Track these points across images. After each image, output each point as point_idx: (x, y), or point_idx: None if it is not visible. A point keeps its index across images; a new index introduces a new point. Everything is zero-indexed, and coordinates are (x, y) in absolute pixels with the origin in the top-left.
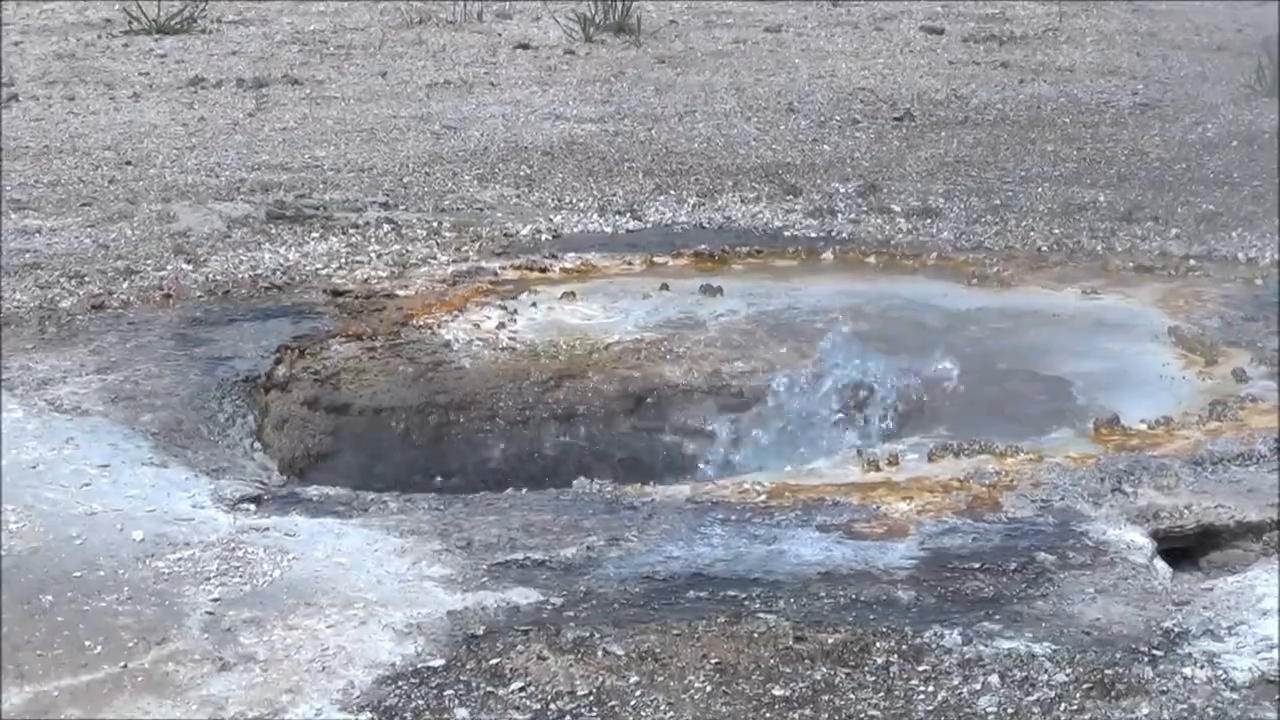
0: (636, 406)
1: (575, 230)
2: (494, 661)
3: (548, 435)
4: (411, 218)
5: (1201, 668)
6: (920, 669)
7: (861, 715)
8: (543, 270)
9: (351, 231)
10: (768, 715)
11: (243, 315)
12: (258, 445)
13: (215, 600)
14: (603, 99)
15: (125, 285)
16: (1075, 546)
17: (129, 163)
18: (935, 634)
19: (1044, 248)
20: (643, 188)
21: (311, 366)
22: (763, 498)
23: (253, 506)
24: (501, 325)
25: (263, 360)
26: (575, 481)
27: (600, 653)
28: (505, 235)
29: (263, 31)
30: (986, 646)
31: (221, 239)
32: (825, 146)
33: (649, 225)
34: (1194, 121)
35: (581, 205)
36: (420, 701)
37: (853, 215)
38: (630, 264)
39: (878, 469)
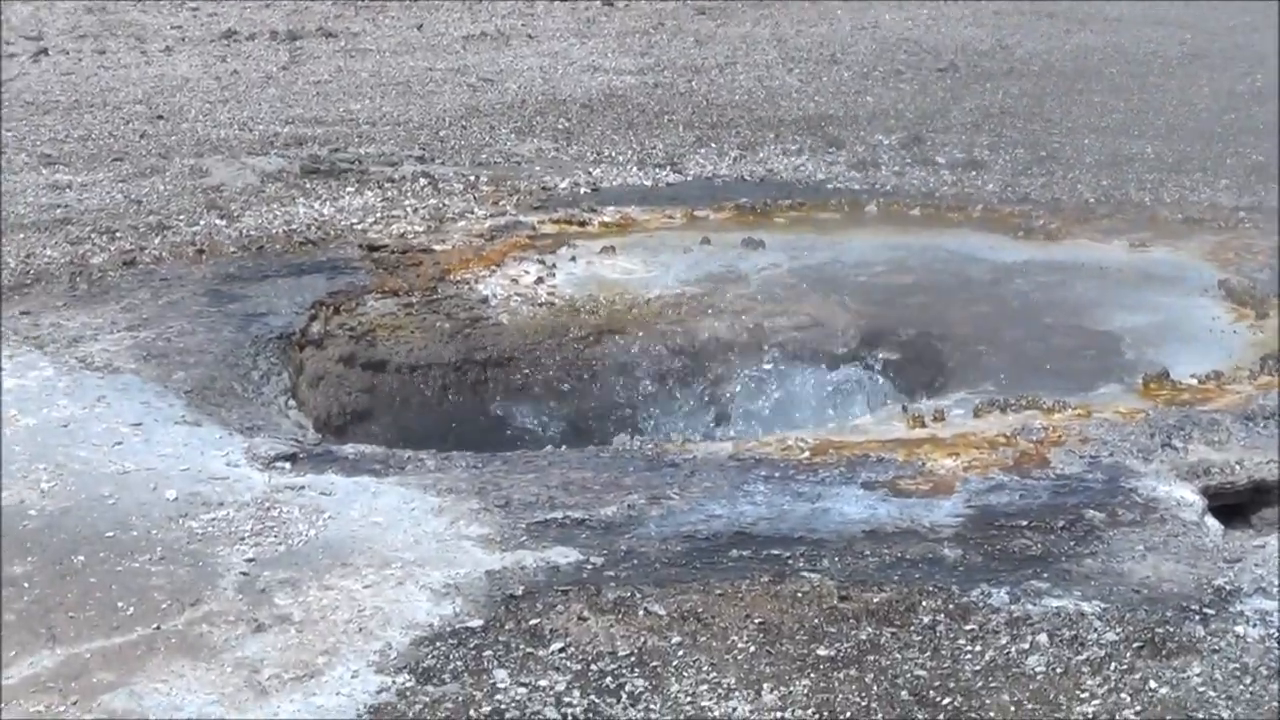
0: (679, 362)
1: (614, 184)
2: (533, 622)
3: (587, 391)
4: (448, 171)
5: (1254, 626)
6: (967, 628)
7: (908, 675)
8: (581, 224)
9: (387, 186)
10: (812, 675)
11: (277, 271)
12: (292, 403)
13: (250, 560)
14: (642, 50)
15: (157, 241)
16: (1124, 503)
17: (161, 117)
18: (982, 593)
19: (1091, 200)
20: (683, 140)
21: (347, 323)
22: (806, 455)
23: (288, 465)
24: (540, 280)
25: (297, 317)
26: (615, 439)
27: (642, 613)
28: (543, 189)
29: None
30: (1034, 605)
31: (255, 194)
32: (868, 98)
33: (689, 178)
34: (1243, 71)
35: (621, 158)
36: (459, 663)
37: (896, 167)
38: (671, 217)
39: (923, 425)
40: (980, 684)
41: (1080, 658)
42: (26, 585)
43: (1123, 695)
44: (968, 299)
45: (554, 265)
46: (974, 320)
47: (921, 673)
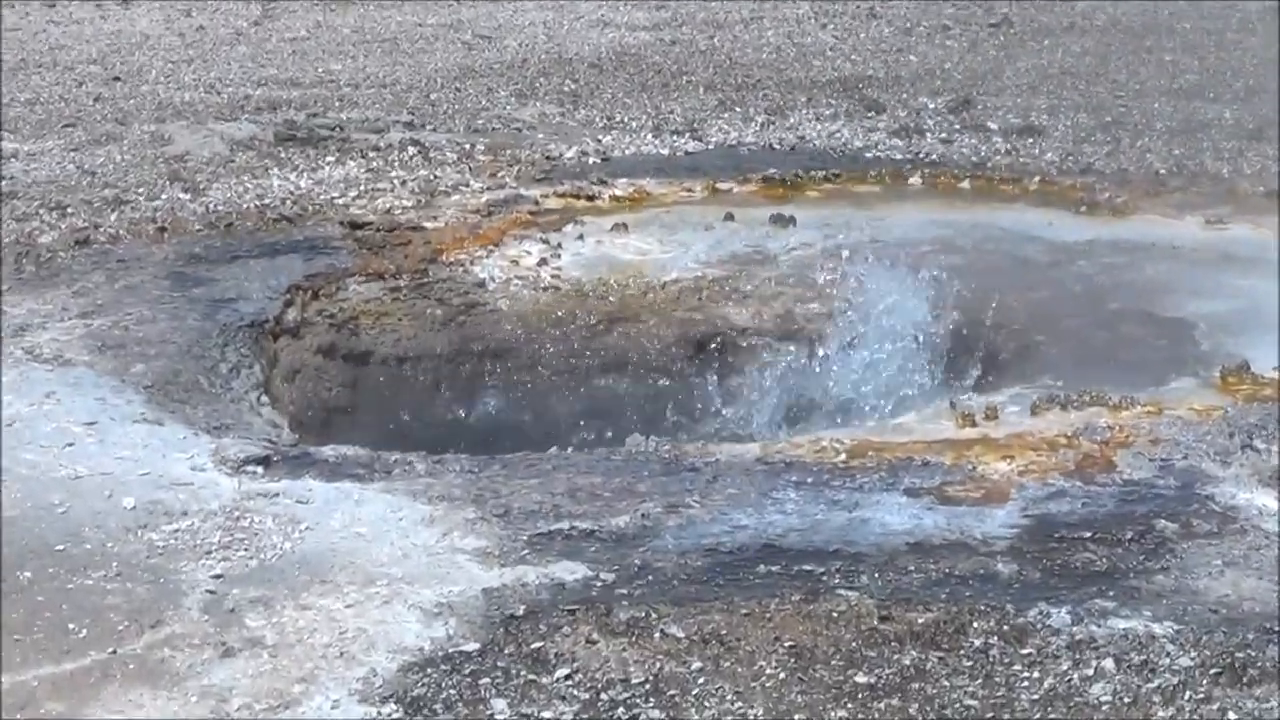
0: (698, 353)
1: (627, 153)
2: (536, 645)
3: (597, 387)
4: (440, 139)
5: None
6: (1024, 652)
7: (957, 705)
8: (590, 198)
9: (372, 155)
10: (849, 705)
11: (248, 251)
12: (265, 399)
13: (217, 577)
14: (657, 4)
15: (114, 217)
16: (1200, 512)
17: (118, 78)
18: (1040, 613)
19: (1162, 170)
20: (704, 104)
21: (326, 309)
22: (842, 457)
23: (260, 469)
24: (543, 261)
25: (271, 302)
26: (629, 439)
27: (658, 635)
28: (547, 159)
29: None
30: (1099, 627)
31: (223, 164)
32: (911, 57)
33: (711, 147)
34: None
35: (634, 124)
36: (452, 691)
37: (943, 134)
38: (690, 191)
39: (973, 424)
40: (1038, 715)
41: (1151, 685)
42: None
43: None
44: (1024, 282)
45: (559, 245)
46: (1031, 306)
47: (972, 702)
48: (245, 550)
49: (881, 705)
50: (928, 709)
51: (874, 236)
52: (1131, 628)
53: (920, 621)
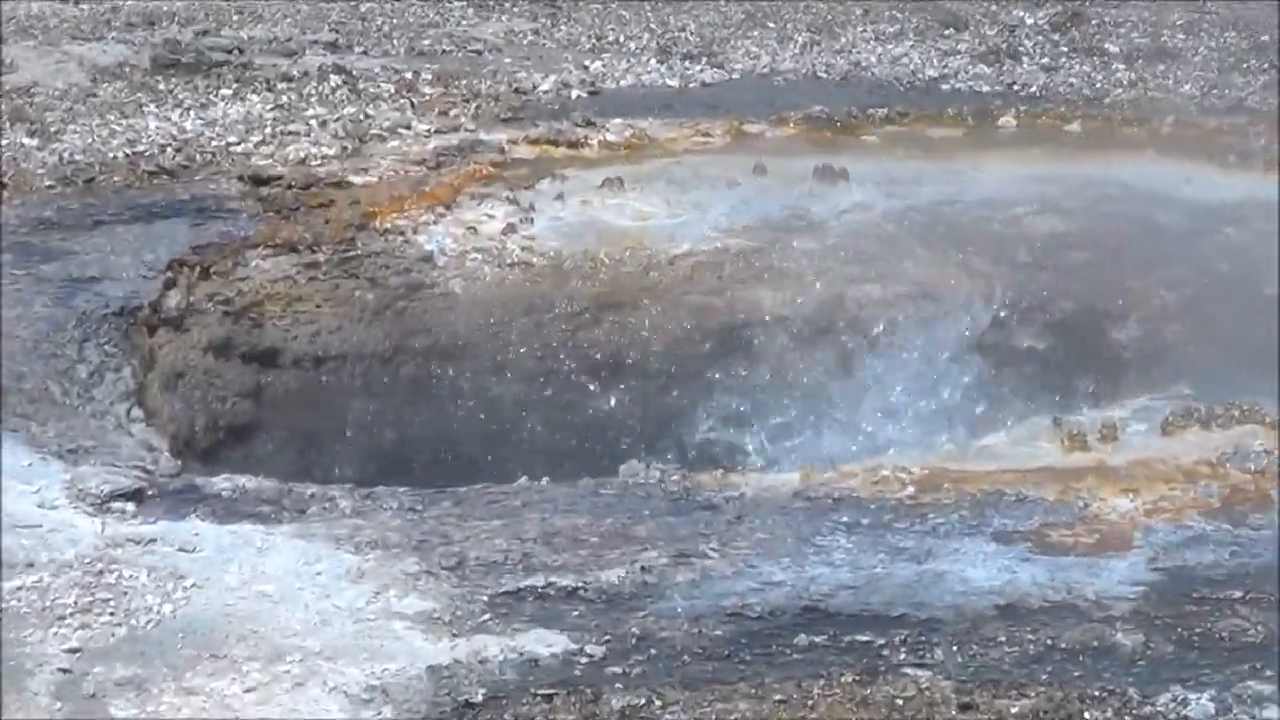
0: (717, 352)
1: (623, 84)
2: None
3: (581, 396)
4: (373, 66)
5: None
6: None
7: None
8: (573, 145)
9: (281, 87)
10: None
11: (115, 215)
12: (138, 413)
13: (73, 651)
14: None
15: None
16: None
17: None
18: (1175, 699)
19: None
20: (725, 18)
21: (220, 293)
22: (909, 491)
23: (130, 507)
24: (510, 229)
25: (146, 283)
26: (623, 466)
27: None
28: (516, 92)
29: None
30: (1252, 717)
31: (82, 99)
32: None
33: (735, 76)
34: None
35: (632, 46)
36: None
37: (1045, 59)
38: (707, 135)
39: (1084, 446)
40: None
41: None
42: None
43: None
44: (1152, 258)
45: (531, 207)
46: (1161, 290)
47: None
48: (111, 615)
49: None
50: None
51: (952, 196)
52: None
53: (1014, 711)
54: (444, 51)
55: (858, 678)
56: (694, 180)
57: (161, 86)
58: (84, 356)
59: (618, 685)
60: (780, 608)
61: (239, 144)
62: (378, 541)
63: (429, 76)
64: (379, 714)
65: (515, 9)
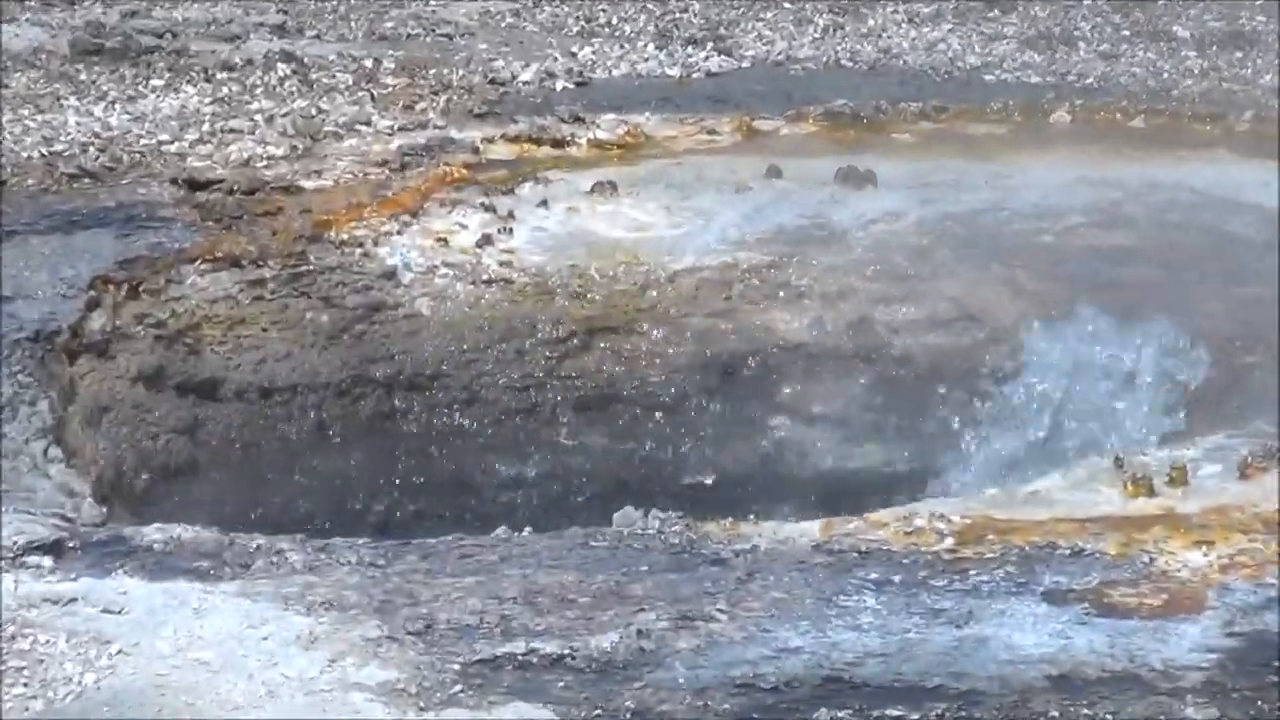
0: (723, 383)
1: (615, 73)
2: None
3: (567, 434)
4: (327, 53)
5: None
6: None
7: None
8: (559, 144)
9: (221, 77)
10: None
11: (29, 224)
12: (56, 452)
13: None
14: None
15: None
16: None
17: None
18: None
19: None
20: None
21: (151, 314)
22: (948, 543)
23: (47, 560)
24: (486, 240)
25: (65, 303)
26: (617, 515)
27: None
28: (493, 83)
29: None
30: None
31: None
32: None
33: (746, 65)
34: None
35: (627, 29)
36: None
37: (1104, 44)
38: (713, 133)
39: (1150, 491)
40: None
41: None
42: None
43: None
44: (1227, 273)
45: (510, 215)
46: (1238, 310)
47: None
48: (25, 687)
49: None
50: None
51: (996, 203)
52: None
53: None
54: (409, 36)
55: None
56: (697, 184)
57: (83, 76)
58: None
59: None
60: (798, 678)
61: (172, 143)
62: (333, 602)
63: (391, 65)
64: None
65: None
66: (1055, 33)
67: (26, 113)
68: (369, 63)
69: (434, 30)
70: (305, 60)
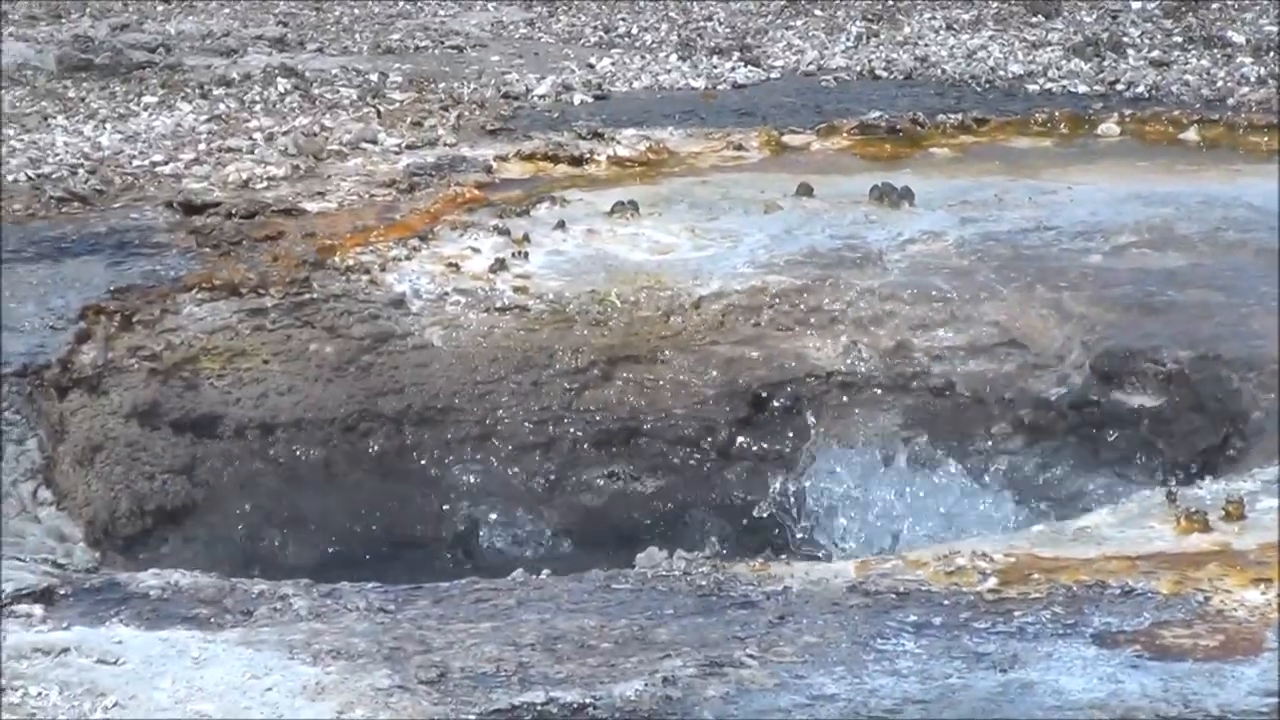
0: (753, 417)
1: (636, 86)
2: None
3: (587, 471)
4: (330, 66)
5: None
6: None
7: None
8: (576, 161)
9: (218, 94)
10: None
11: (15, 252)
12: (46, 494)
13: None
14: None
15: None
16: None
17: None
18: None
19: None
20: (763, 4)
21: (146, 346)
22: (991, 583)
23: (38, 609)
24: (500, 265)
25: (54, 335)
26: (640, 555)
27: None
28: (506, 98)
29: None
30: None
31: None
32: None
33: (774, 75)
34: None
35: (648, 39)
36: None
37: (1155, 52)
38: (741, 149)
39: (1205, 527)
40: None
41: None
42: None
43: None
44: None
45: (525, 238)
46: None
47: None
48: None
49: None
50: None
51: (1041, 222)
52: None
53: None
54: (417, 48)
55: None
56: (724, 204)
57: (71, 93)
58: None
59: None
60: None
61: (167, 163)
62: (341, 650)
63: (398, 79)
64: None
65: None
66: (1103, 39)
67: (12, 133)
68: (374, 77)
69: (443, 42)
70: (307, 75)
